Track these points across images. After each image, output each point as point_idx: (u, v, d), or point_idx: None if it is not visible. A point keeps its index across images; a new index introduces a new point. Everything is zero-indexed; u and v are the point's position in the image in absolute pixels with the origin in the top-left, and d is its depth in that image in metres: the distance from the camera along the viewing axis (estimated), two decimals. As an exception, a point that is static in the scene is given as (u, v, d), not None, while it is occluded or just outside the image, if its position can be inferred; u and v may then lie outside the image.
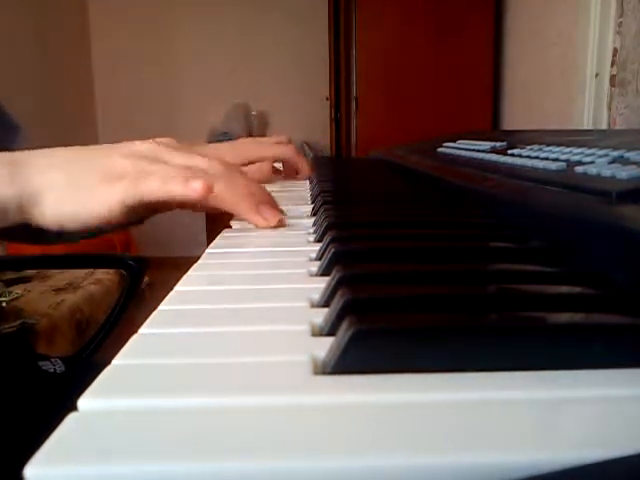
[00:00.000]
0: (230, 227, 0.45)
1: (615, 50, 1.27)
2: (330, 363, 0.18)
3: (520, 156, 0.49)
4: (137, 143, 0.42)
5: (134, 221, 0.43)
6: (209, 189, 0.38)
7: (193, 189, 0.38)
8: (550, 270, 0.26)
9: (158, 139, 0.43)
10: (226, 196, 0.41)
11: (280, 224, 0.43)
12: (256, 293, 0.27)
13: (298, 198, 0.55)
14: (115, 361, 0.19)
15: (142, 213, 0.42)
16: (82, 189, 0.39)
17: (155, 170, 0.39)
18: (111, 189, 0.38)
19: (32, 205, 0.39)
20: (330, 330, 0.21)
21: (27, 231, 0.41)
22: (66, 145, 0.42)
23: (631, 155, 0.37)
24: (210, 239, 0.41)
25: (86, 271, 1.84)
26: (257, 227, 0.43)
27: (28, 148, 0.41)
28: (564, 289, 0.23)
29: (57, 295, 1.61)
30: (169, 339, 0.21)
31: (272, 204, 0.45)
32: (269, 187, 0.49)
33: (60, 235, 0.43)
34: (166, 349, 0.20)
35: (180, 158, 0.41)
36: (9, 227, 0.40)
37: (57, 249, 0.91)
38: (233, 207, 0.42)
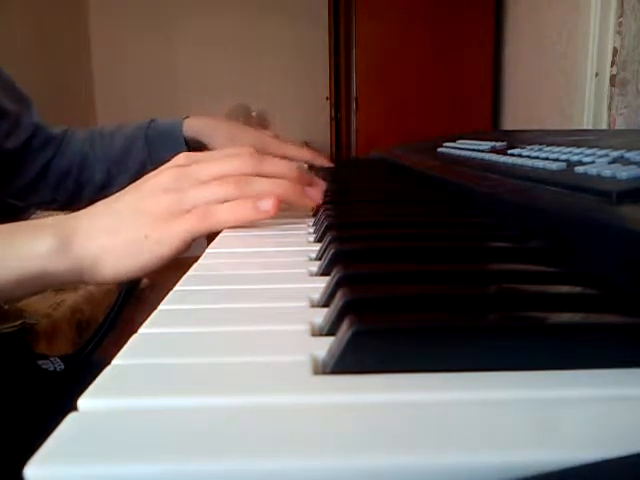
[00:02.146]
0: None
1: (615, 50, 1.26)
2: (330, 363, 0.18)
3: (520, 156, 0.49)
4: (159, 175, 0.40)
5: None
6: (278, 204, 0.38)
7: (264, 211, 0.38)
8: (550, 270, 0.26)
9: (170, 163, 0.42)
10: (275, 191, 0.40)
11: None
12: (256, 293, 0.27)
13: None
14: (115, 361, 0.19)
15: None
16: (137, 242, 0.38)
17: (204, 194, 0.38)
18: (172, 229, 0.38)
19: (89, 271, 0.38)
20: (330, 330, 0.21)
21: None
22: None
23: (631, 155, 0.37)
24: (210, 239, 0.41)
25: (86, 271, 1.83)
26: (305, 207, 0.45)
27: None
28: (564, 289, 0.23)
29: (57, 295, 1.61)
30: (169, 339, 0.21)
31: (307, 178, 0.44)
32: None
33: None
34: (166, 349, 0.20)
35: (210, 170, 0.40)
36: None
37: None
38: (283, 199, 0.41)
